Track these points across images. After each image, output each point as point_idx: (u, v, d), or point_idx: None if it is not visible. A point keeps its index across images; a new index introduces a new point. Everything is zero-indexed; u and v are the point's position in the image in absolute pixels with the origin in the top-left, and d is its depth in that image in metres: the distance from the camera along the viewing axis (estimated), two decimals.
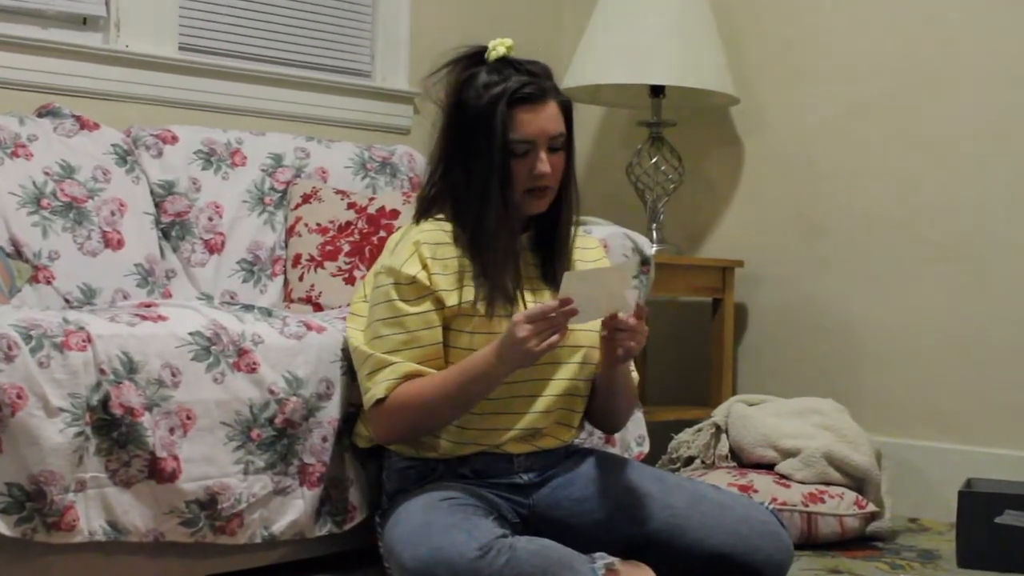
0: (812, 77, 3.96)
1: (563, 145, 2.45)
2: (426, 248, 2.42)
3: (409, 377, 2.38)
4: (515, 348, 2.27)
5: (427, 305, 2.40)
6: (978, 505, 2.89)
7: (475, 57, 2.47)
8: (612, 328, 2.38)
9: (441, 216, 2.48)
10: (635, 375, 2.59)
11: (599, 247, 2.67)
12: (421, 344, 2.39)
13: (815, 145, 3.95)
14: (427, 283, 2.40)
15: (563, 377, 2.47)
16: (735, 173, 4.14)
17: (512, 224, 2.43)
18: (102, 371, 2.29)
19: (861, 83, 3.85)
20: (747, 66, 4.06)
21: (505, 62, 2.44)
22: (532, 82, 2.41)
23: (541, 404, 2.45)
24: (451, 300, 2.41)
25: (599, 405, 2.57)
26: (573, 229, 2.53)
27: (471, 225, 2.41)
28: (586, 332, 2.47)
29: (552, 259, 2.51)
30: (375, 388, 2.38)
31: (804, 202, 3.97)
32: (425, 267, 2.41)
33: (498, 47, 2.45)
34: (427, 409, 2.36)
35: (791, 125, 4.01)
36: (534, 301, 2.46)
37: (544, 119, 2.41)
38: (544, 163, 2.40)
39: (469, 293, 2.41)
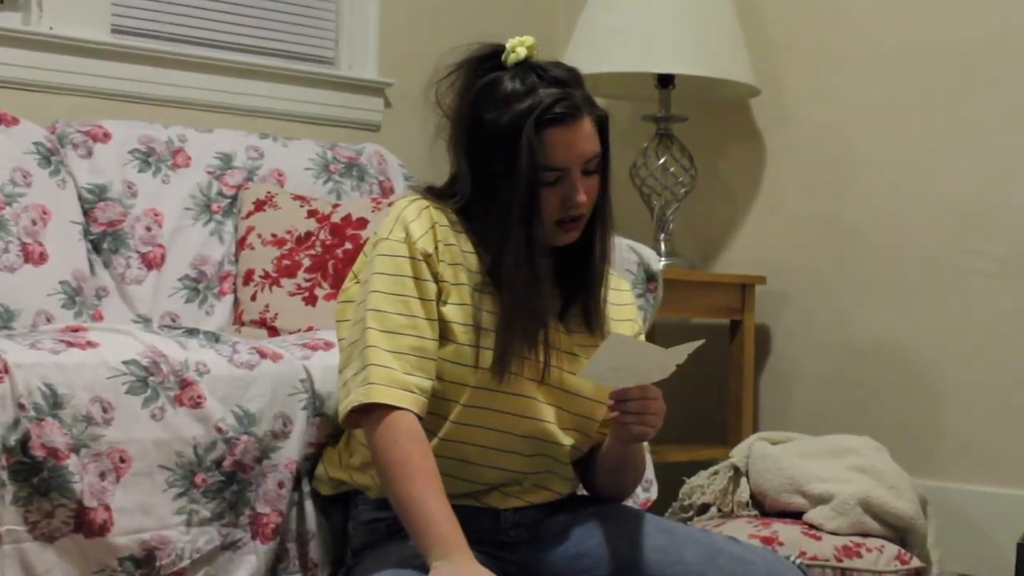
0: (844, 63, 3.97)
1: (597, 166, 2.39)
2: (440, 230, 2.37)
3: (409, 393, 2.31)
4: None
5: (431, 295, 2.35)
6: None
7: (490, 59, 2.40)
8: (621, 408, 2.35)
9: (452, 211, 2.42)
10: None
11: (630, 291, 2.63)
12: (421, 335, 2.33)
13: (848, 142, 3.96)
14: (436, 268, 2.36)
15: (547, 419, 2.45)
16: (755, 175, 4.14)
17: (536, 263, 2.35)
18: (21, 406, 2.27)
19: (902, 70, 3.86)
20: (769, 52, 4.07)
21: (527, 67, 2.37)
22: (563, 96, 2.33)
23: (521, 445, 2.43)
24: (448, 301, 2.36)
25: (602, 480, 2.55)
26: (607, 267, 2.47)
27: (493, 258, 2.36)
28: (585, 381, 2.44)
29: (578, 296, 2.46)
30: (372, 392, 2.29)
31: (835, 208, 3.97)
32: (437, 249, 2.36)
33: (518, 48, 2.38)
34: (387, 474, 2.31)
35: (820, 119, 4.02)
36: (558, 350, 2.42)
37: (579, 140, 2.34)
38: (579, 191, 2.34)
39: (457, 314, 2.37)
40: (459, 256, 2.38)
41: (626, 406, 2.35)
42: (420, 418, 2.31)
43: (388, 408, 2.28)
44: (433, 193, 2.45)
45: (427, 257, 2.35)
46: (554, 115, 2.33)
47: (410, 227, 2.36)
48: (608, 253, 2.47)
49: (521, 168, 2.31)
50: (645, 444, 2.56)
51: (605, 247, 2.46)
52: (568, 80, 2.39)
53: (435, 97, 2.42)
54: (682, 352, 2.29)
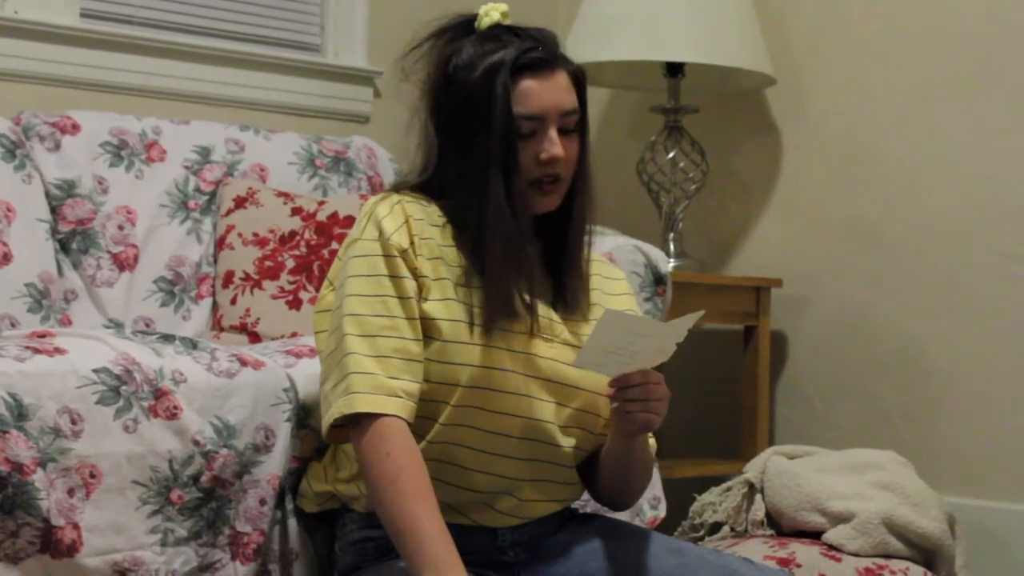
0: (867, 51, 3.97)
1: (576, 126, 2.44)
2: (415, 224, 2.39)
3: (399, 399, 2.31)
4: None
5: (411, 292, 2.36)
6: None
7: (463, 27, 2.47)
8: (622, 396, 2.36)
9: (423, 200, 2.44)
10: (652, 441, 2.57)
11: (624, 280, 2.65)
12: (402, 336, 2.34)
13: (871, 135, 3.96)
14: (414, 264, 2.37)
15: (545, 418, 2.45)
16: (771, 170, 4.15)
17: (519, 219, 2.38)
18: None
19: (929, 58, 3.86)
20: (786, 38, 4.07)
21: (500, 29, 2.44)
22: (537, 46, 2.40)
23: (516, 448, 2.43)
24: (428, 298, 2.37)
25: (607, 483, 2.55)
26: (588, 237, 2.50)
27: (473, 227, 2.38)
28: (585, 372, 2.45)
29: (563, 277, 2.48)
30: (360, 401, 2.30)
31: (857, 206, 3.97)
32: (413, 244, 2.38)
33: (491, 12, 2.45)
34: (378, 490, 2.31)
35: (841, 110, 4.02)
36: (550, 340, 2.43)
37: (555, 90, 2.40)
38: (555, 143, 2.38)
39: (440, 310, 2.38)
40: (437, 250, 2.39)
41: (628, 393, 2.36)
42: (409, 424, 2.31)
43: (374, 416, 2.28)
44: (406, 187, 2.47)
45: (403, 252, 2.36)
46: (529, 60, 2.39)
47: (383, 223, 2.37)
48: (587, 220, 2.49)
49: (496, 117, 2.35)
50: (652, 449, 2.57)
51: (583, 213, 2.48)
52: (542, 38, 2.44)
53: (402, 71, 2.46)
54: (682, 327, 2.31)
